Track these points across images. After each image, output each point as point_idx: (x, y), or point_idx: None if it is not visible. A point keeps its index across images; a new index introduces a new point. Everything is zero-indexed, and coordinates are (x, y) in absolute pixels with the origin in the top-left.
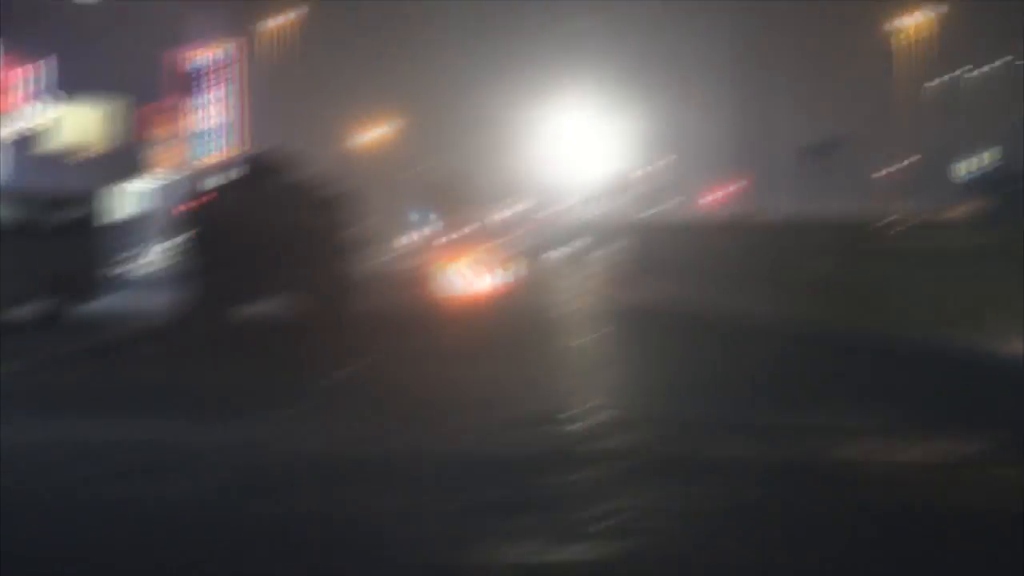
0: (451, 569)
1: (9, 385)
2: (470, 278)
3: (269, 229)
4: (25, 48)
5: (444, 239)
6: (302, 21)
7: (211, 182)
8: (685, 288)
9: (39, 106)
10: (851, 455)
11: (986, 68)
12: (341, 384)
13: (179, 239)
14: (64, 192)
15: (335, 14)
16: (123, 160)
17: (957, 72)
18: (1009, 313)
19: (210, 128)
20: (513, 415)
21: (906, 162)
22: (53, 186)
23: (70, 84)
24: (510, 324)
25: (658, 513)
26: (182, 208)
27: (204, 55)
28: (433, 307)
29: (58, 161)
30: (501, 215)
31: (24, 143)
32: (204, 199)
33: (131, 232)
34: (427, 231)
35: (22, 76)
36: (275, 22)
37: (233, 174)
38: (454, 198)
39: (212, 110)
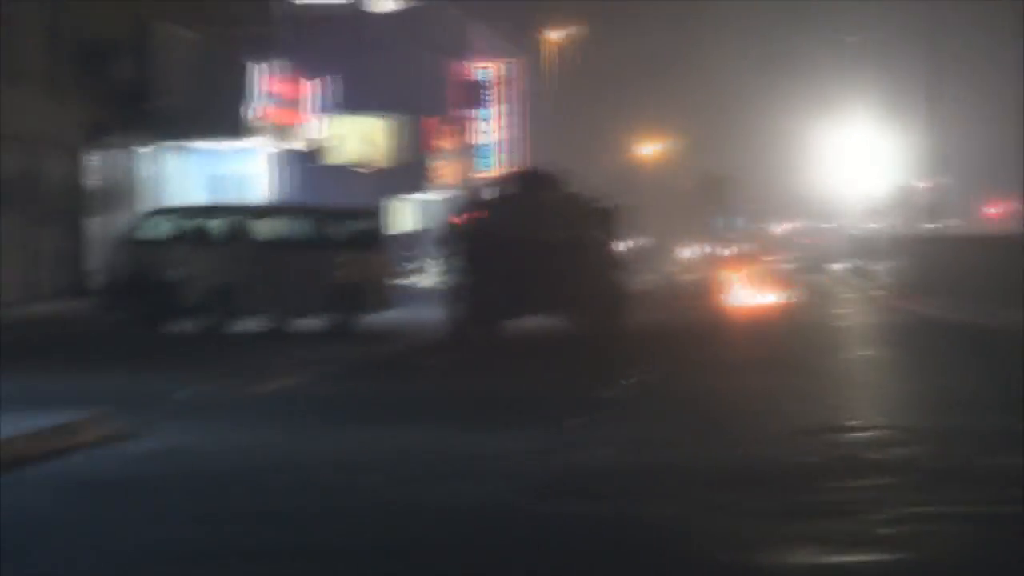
0: (749, 570)
1: (304, 394)
2: (754, 291)
3: (543, 242)
4: (311, 63)
5: (728, 252)
6: (582, 38)
7: (484, 196)
8: (965, 302)
9: (325, 120)
10: None
11: None
12: (626, 394)
13: (454, 251)
14: (350, 205)
15: (615, 32)
16: (407, 173)
17: None
18: None
19: (492, 142)
20: (798, 424)
21: None
22: (339, 200)
23: (355, 99)
24: (793, 336)
25: (942, 519)
26: (456, 221)
27: (487, 70)
28: (717, 319)
29: (344, 174)
30: (783, 228)
31: (311, 157)
32: (477, 213)
33: (414, 245)
34: (709, 246)
35: (309, 91)
36: (556, 39)
37: (507, 188)
38: (732, 212)
39: (494, 124)
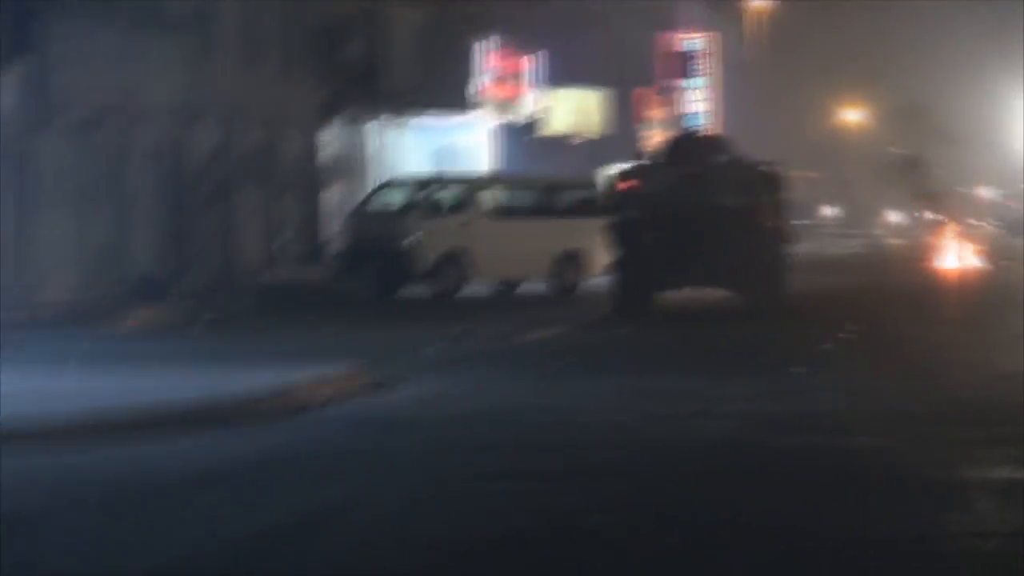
0: (954, 483)
1: (537, 348)
2: (958, 254)
3: (705, 209)
4: (527, 40)
5: (933, 216)
6: (777, 11)
7: (648, 162)
8: None
9: (540, 94)
10: None
11: None
12: (840, 347)
13: (616, 219)
14: (569, 176)
15: (812, 13)
16: (619, 143)
17: None
18: None
19: (700, 112)
20: (998, 371)
21: None
22: (554, 169)
23: (568, 72)
24: (995, 295)
25: None
26: (621, 188)
27: (694, 41)
28: (922, 280)
29: (558, 145)
30: (988, 192)
31: (527, 129)
32: (639, 180)
33: None
34: (916, 210)
35: (525, 66)
36: (759, 6)
37: (670, 154)
38: (927, 178)
39: (701, 94)
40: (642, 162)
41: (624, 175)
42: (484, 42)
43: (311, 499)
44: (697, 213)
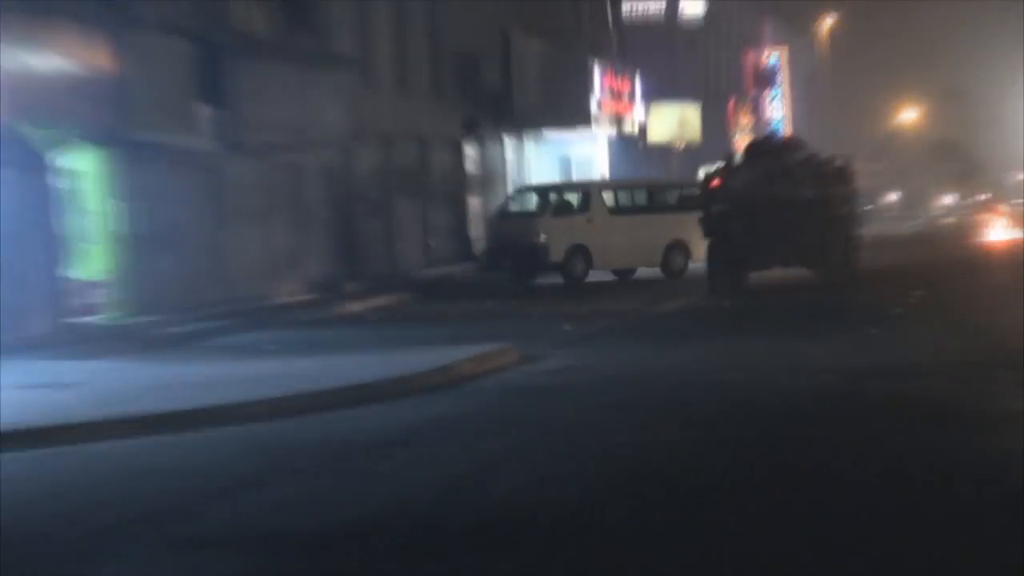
0: (1012, 413)
1: (656, 322)
2: (1003, 229)
3: (786, 199)
4: (636, 60)
5: (980, 198)
6: (843, 27)
7: (735, 161)
8: None
9: (643, 109)
10: None
11: None
12: (911, 309)
13: (709, 209)
14: (668, 178)
15: (868, 22)
16: (714, 149)
17: None
18: None
19: (781, 117)
20: None
21: None
22: (660, 174)
23: (670, 88)
24: None
25: None
26: (712, 185)
27: (775, 55)
28: (974, 253)
29: (663, 153)
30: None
31: (633, 140)
32: (727, 176)
33: None
34: (964, 194)
35: (634, 84)
36: (823, 28)
37: (754, 154)
38: (980, 170)
39: (782, 101)
40: (727, 163)
41: (712, 175)
42: (598, 64)
43: (480, 451)
44: (776, 204)
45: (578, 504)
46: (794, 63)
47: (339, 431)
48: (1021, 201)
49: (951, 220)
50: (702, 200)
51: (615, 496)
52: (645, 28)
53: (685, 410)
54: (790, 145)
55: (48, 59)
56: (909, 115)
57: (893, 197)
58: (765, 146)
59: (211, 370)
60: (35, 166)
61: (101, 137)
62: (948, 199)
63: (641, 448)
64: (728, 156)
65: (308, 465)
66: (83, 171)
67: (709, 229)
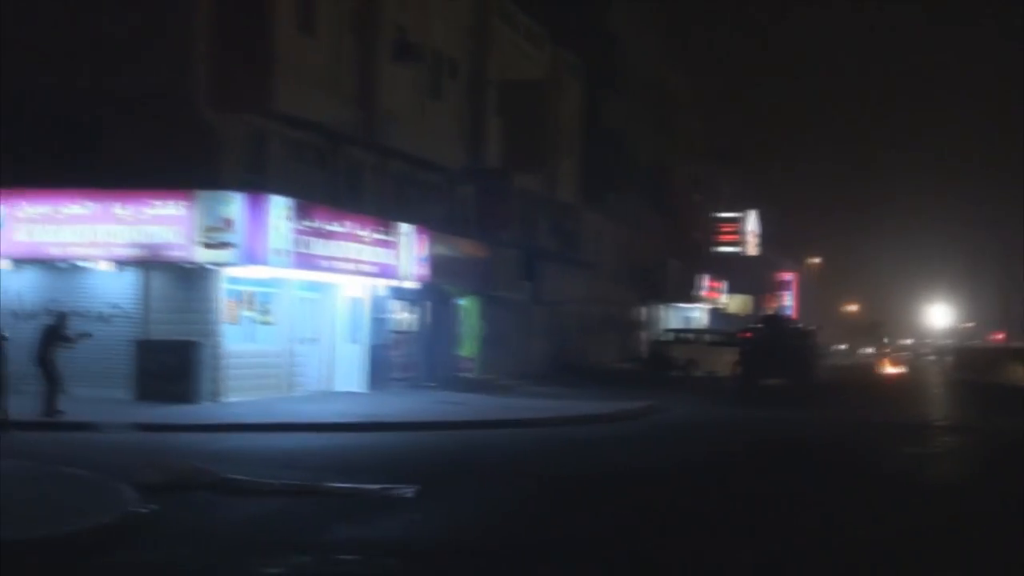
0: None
1: (730, 395)
2: (891, 367)
3: (785, 344)
4: (717, 272)
5: (877, 350)
6: (826, 266)
7: (756, 323)
8: (984, 375)
9: (725, 296)
10: None
11: None
12: (843, 396)
13: (743, 348)
14: (722, 328)
15: (835, 261)
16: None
17: None
18: None
19: (790, 305)
20: (908, 420)
21: None
22: (729, 327)
23: (735, 288)
24: (909, 385)
25: None
26: (743, 335)
27: (788, 275)
28: (880, 378)
29: (732, 318)
30: (904, 340)
31: (718, 311)
32: (752, 331)
33: None
34: (875, 348)
35: (718, 284)
36: (814, 265)
37: (766, 320)
38: (883, 332)
39: (788, 298)
40: (753, 325)
41: (744, 330)
42: (705, 275)
43: (647, 452)
44: (775, 347)
45: (688, 464)
46: (798, 279)
47: (582, 435)
48: (905, 353)
49: (869, 360)
50: (739, 343)
51: (702, 460)
52: (727, 257)
53: (738, 435)
54: (785, 319)
55: (456, 252)
56: (852, 306)
57: (842, 347)
58: (772, 318)
59: (520, 402)
60: (446, 302)
61: (477, 291)
62: (869, 349)
63: (720, 446)
64: (754, 322)
65: (561, 448)
66: (467, 307)
67: (742, 357)
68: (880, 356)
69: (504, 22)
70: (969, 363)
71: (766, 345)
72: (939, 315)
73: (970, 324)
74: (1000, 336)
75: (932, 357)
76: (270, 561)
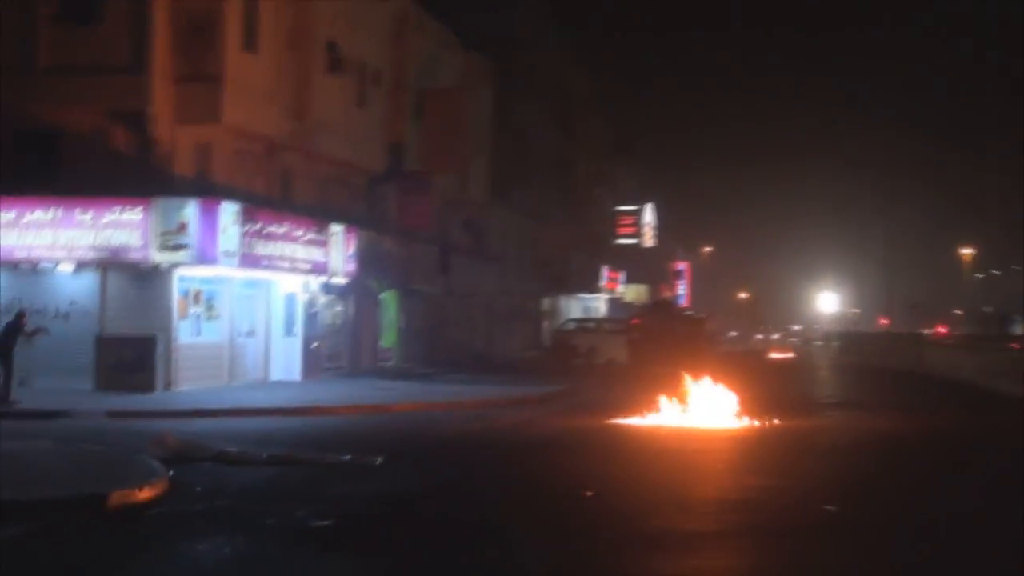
0: None
1: (617, 374)
2: (782, 352)
3: (672, 329)
4: (617, 263)
5: (767, 336)
6: (719, 255)
7: (646, 310)
8: (870, 359)
9: (623, 286)
10: None
11: None
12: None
13: (631, 334)
14: (620, 316)
15: (727, 250)
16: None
17: None
18: None
19: (679, 294)
20: (814, 395)
21: None
22: (625, 314)
23: (632, 278)
24: (798, 368)
25: None
26: (634, 321)
27: (682, 264)
28: (769, 361)
29: (628, 306)
30: (794, 327)
31: (616, 300)
32: (642, 317)
33: None
34: (766, 334)
35: (617, 276)
36: (708, 254)
37: (655, 307)
38: (771, 320)
39: (681, 286)
40: (641, 312)
41: (634, 316)
42: (605, 266)
43: (570, 426)
44: (665, 334)
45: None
46: (691, 268)
47: (507, 414)
48: (792, 339)
49: (758, 346)
50: (629, 329)
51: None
52: (626, 248)
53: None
54: (674, 306)
55: (379, 250)
56: (743, 294)
57: (733, 333)
58: (660, 305)
59: (445, 388)
60: (369, 296)
61: (397, 285)
62: (758, 335)
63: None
64: (643, 309)
65: (503, 423)
66: (388, 300)
67: (629, 345)
68: (767, 343)
69: (421, 32)
70: (856, 348)
71: (654, 332)
72: (827, 302)
73: (856, 310)
74: (885, 321)
75: (819, 343)
76: (292, 508)
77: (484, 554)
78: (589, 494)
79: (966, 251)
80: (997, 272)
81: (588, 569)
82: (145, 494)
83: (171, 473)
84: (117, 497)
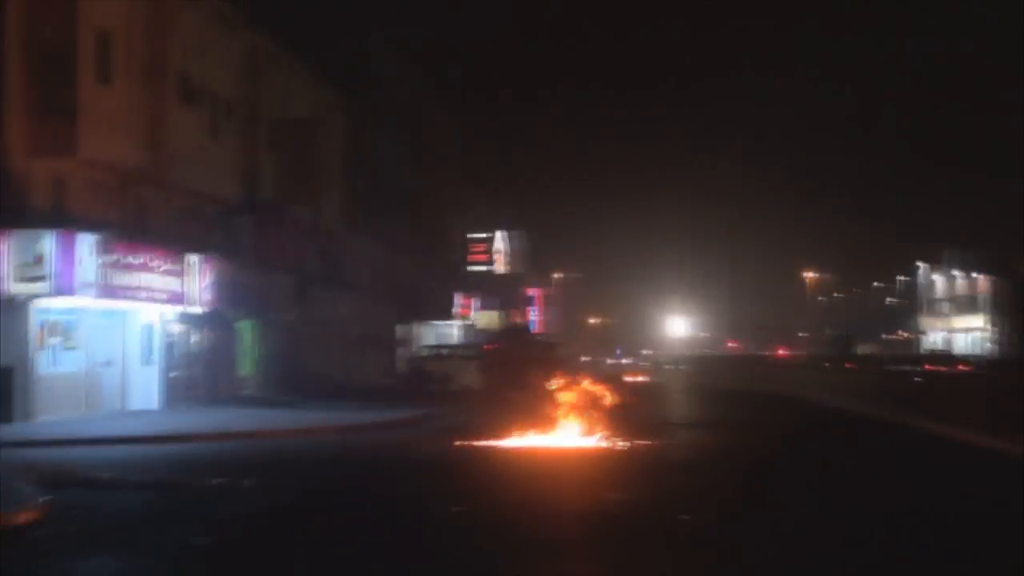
0: None
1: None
2: (633, 375)
3: (524, 355)
4: (470, 289)
5: (624, 360)
6: (571, 281)
7: (497, 335)
8: (720, 381)
9: (475, 312)
10: None
11: None
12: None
13: (483, 359)
14: (474, 342)
15: (587, 280)
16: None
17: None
18: None
19: (535, 320)
20: (672, 416)
21: None
22: (478, 341)
23: (486, 304)
24: (652, 388)
25: None
26: (485, 347)
27: (534, 291)
28: (622, 384)
29: (481, 332)
30: (646, 351)
31: (470, 327)
32: (494, 343)
33: None
34: (619, 358)
35: (470, 303)
36: (560, 280)
37: (507, 333)
38: (623, 344)
39: (533, 312)
40: (493, 339)
41: (487, 342)
42: (457, 294)
43: (431, 449)
44: (517, 359)
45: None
46: (543, 294)
47: (365, 438)
48: (644, 363)
49: (612, 370)
50: (481, 355)
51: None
52: (478, 275)
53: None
54: (525, 332)
55: (235, 279)
56: (595, 320)
57: (586, 358)
58: (512, 331)
59: (305, 415)
60: (226, 326)
61: (254, 315)
62: (610, 359)
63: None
64: (496, 335)
65: (365, 446)
66: (244, 329)
67: (483, 370)
68: (620, 367)
69: (274, 65)
70: (706, 370)
71: (506, 358)
72: (677, 326)
73: (705, 334)
74: (734, 344)
75: (669, 366)
76: (170, 527)
77: (360, 564)
78: (457, 509)
79: (809, 275)
80: (840, 295)
81: (457, 573)
82: (24, 517)
83: (47, 498)
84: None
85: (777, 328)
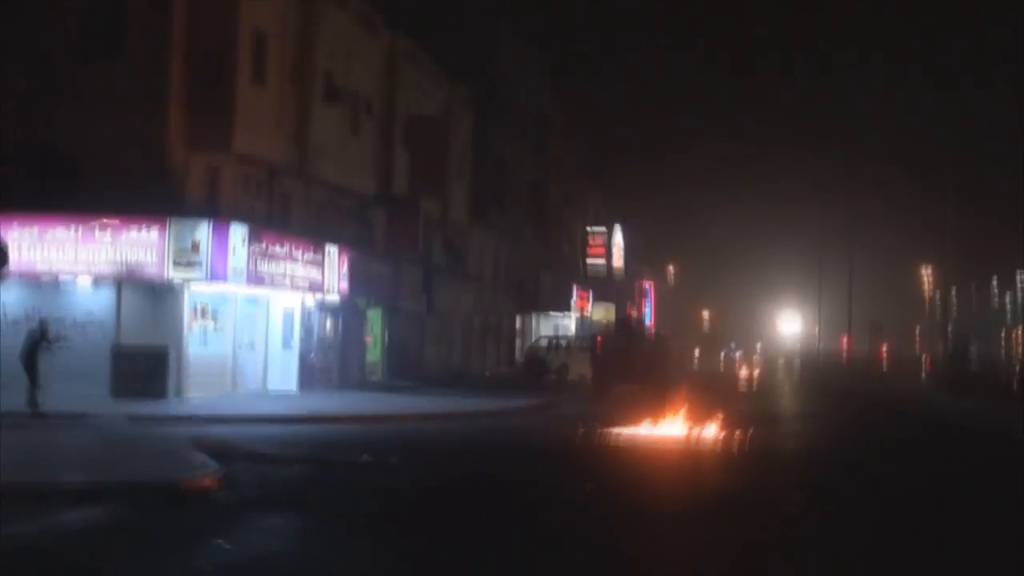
0: None
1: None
2: (748, 367)
3: (634, 349)
4: (589, 286)
5: (737, 355)
6: (684, 274)
7: (610, 328)
8: (830, 378)
9: (591, 305)
10: None
11: None
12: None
13: (595, 353)
14: (590, 334)
15: (700, 273)
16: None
17: None
18: None
19: (646, 312)
20: (784, 408)
21: None
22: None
23: (600, 297)
24: (764, 380)
25: None
26: (598, 339)
27: (648, 284)
28: (738, 374)
29: (598, 325)
30: (758, 345)
31: (585, 319)
32: (606, 335)
33: None
34: (732, 352)
35: (586, 295)
36: (673, 274)
37: (619, 325)
38: (736, 339)
39: (648, 305)
40: (605, 331)
41: (597, 335)
42: (576, 286)
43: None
44: (629, 352)
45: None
46: (656, 288)
47: (499, 423)
48: (756, 356)
49: (722, 365)
50: (592, 347)
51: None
52: (596, 267)
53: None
54: (638, 322)
55: (368, 269)
56: (706, 313)
57: (696, 352)
58: (624, 324)
59: (433, 400)
60: (358, 314)
61: (383, 304)
62: (723, 354)
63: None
64: (607, 327)
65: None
66: (374, 317)
67: (593, 362)
68: (730, 362)
69: (410, 64)
70: (819, 367)
71: (618, 350)
72: (789, 321)
73: (817, 330)
74: (847, 341)
75: (782, 361)
76: (334, 495)
77: (510, 538)
78: (588, 487)
79: (927, 271)
80: (960, 291)
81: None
82: (208, 482)
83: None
84: (186, 482)
85: (891, 324)
